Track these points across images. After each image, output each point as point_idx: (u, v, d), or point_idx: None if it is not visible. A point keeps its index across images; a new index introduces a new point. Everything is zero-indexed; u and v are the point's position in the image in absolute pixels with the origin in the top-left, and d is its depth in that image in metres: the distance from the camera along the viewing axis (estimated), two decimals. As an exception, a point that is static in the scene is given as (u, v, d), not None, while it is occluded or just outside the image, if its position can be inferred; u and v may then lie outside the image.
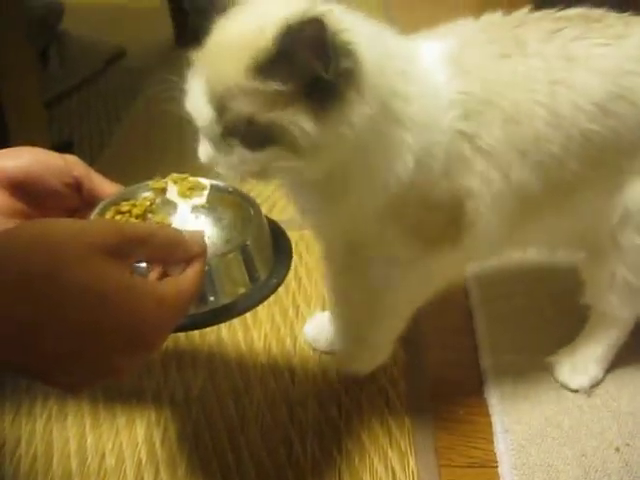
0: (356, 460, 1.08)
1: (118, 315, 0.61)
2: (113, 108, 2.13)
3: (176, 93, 0.83)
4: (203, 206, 0.83)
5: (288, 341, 1.30)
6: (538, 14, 0.98)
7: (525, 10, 0.99)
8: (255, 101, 0.77)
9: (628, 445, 1.09)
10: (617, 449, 1.09)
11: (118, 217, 0.78)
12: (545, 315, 1.35)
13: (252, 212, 0.84)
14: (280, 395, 1.19)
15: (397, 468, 1.07)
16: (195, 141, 0.85)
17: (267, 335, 1.31)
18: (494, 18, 0.99)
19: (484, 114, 0.90)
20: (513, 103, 0.91)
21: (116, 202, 0.81)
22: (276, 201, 1.57)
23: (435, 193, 0.92)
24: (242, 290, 0.79)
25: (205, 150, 0.83)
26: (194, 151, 0.85)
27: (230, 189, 0.87)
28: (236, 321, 1.33)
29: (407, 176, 0.88)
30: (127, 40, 2.47)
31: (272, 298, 1.30)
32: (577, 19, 0.97)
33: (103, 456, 1.09)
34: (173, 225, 0.79)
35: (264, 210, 0.88)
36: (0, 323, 0.57)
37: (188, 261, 0.71)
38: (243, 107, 0.77)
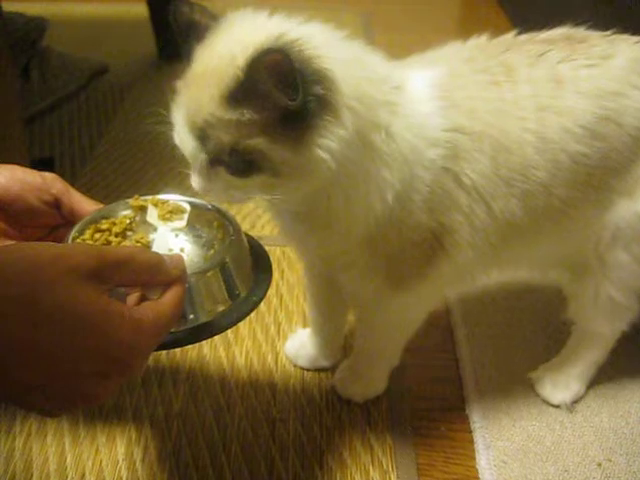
0: (338, 477, 1.08)
1: (95, 339, 0.60)
2: (95, 124, 2.12)
3: (165, 127, 0.84)
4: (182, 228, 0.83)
5: (270, 358, 1.30)
6: (523, 37, 0.98)
7: (511, 34, 0.99)
8: (233, 130, 0.77)
9: (610, 460, 1.10)
10: (599, 464, 1.09)
11: (97, 235, 0.78)
12: (526, 331, 1.35)
13: (231, 230, 0.84)
14: (262, 412, 1.18)
15: (379, 485, 1.06)
16: (180, 165, 0.86)
17: (249, 352, 1.31)
18: (481, 43, 0.99)
19: (472, 150, 0.90)
20: (503, 132, 0.91)
21: (95, 220, 0.81)
22: (258, 217, 1.57)
23: (413, 227, 0.91)
24: (222, 308, 0.79)
25: (195, 180, 0.83)
26: (173, 169, 0.85)
27: (209, 207, 0.87)
28: (217, 338, 1.32)
29: (386, 211, 0.88)
30: (110, 55, 2.47)
31: (253, 315, 1.30)
32: (561, 41, 0.97)
33: (83, 475, 1.08)
34: (153, 243, 0.79)
35: (246, 227, 0.88)
36: None
37: (167, 285, 0.70)
38: (222, 136, 0.78)
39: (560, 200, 0.95)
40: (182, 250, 0.80)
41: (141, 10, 2.38)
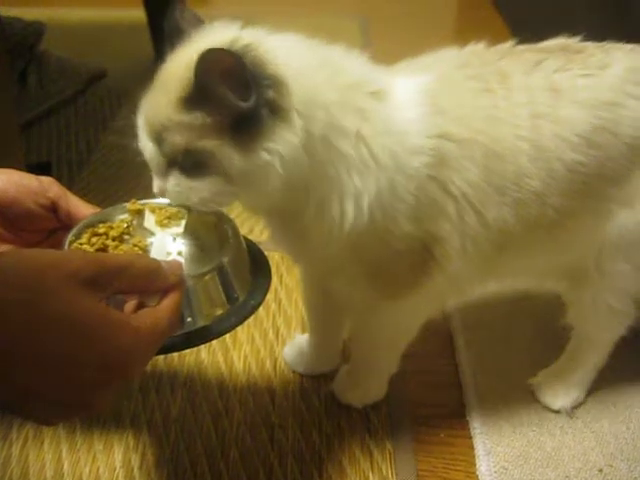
0: (337, 484, 1.07)
1: (93, 347, 0.60)
2: (92, 129, 2.12)
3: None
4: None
5: (268, 363, 1.29)
6: (521, 47, 0.98)
7: (509, 43, 0.98)
8: (186, 132, 0.78)
9: (611, 466, 1.09)
10: (600, 470, 1.08)
11: (94, 239, 0.78)
12: (526, 337, 1.35)
13: (230, 233, 0.84)
14: (260, 417, 1.17)
15: (378, 492, 1.05)
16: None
17: (247, 357, 1.30)
18: (477, 50, 0.98)
19: (460, 157, 0.89)
20: (495, 139, 0.90)
21: (93, 224, 0.80)
22: (256, 222, 1.56)
23: (399, 236, 0.90)
24: (220, 311, 0.78)
25: (156, 182, 0.84)
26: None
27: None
28: (215, 343, 1.32)
29: (363, 218, 0.86)
30: (108, 60, 2.46)
31: (252, 320, 1.29)
32: (558, 50, 0.96)
33: (80, 482, 1.07)
34: (151, 247, 0.78)
35: (244, 231, 0.88)
36: None
37: (165, 291, 0.70)
38: (177, 139, 0.78)
39: (555, 210, 0.94)
40: (180, 253, 0.79)
41: (139, 15, 2.38)
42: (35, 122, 2.12)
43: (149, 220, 0.82)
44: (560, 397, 1.19)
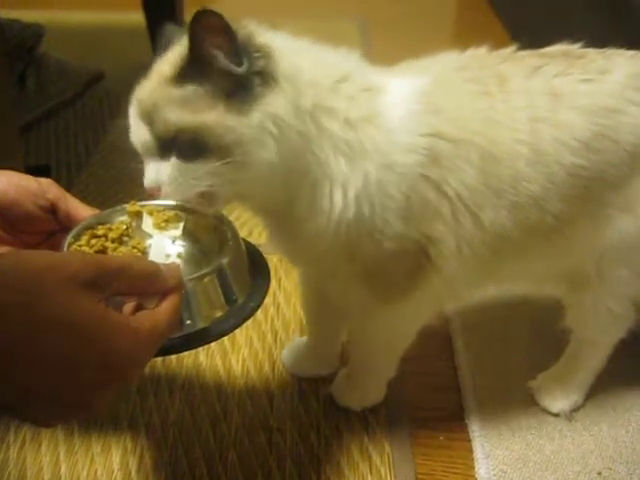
0: (336, 487, 1.06)
1: (92, 348, 0.60)
2: (91, 131, 2.11)
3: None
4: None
5: (266, 366, 1.29)
6: (522, 52, 0.98)
7: (510, 49, 0.98)
8: (179, 107, 0.79)
9: (610, 469, 1.09)
10: (599, 473, 1.08)
11: (93, 241, 0.77)
12: (525, 340, 1.35)
13: (229, 235, 0.83)
14: (258, 420, 1.17)
15: (377, 495, 1.05)
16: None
17: (245, 360, 1.30)
18: (478, 54, 0.98)
19: (455, 158, 0.89)
20: (492, 141, 0.90)
21: (92, 226, 0.80)
22: (255, 225, 1.56)
23: (391, 237, 0.90)
24: (219, 313, 0.78)
25: (148, 173, 0.84)
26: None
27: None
28: (214, 346, 1.32)
29: (350, 212, 0.87)
30: (107, 62, 2.47)
31: (250, 323, 1.29)
32: (559, 56, 0.97)
33: (78, 484, 1.07)
34: (149, 249, 0.78)
35: (243, 234, 0.88)
36: None
37: (164, 294, 0.70)
38: (169, 115, 0.79)
39: (554, 216, 0.94)
40: (179, 256, 0.79)
41: (138, 18, 2.38)
42: (34, 124, 2.12)
43: (147, 223, 0.82)
44: (559, 400, 1.19)
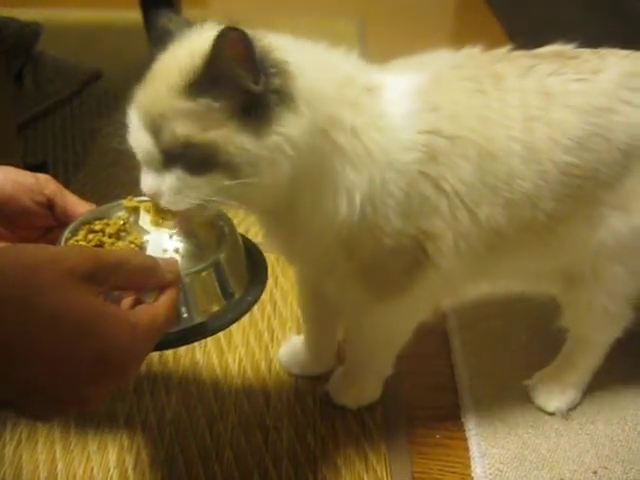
0: (332, 486, 1.06)
1: (90, 343, 0.60)
2: (88, 130, 2.11)
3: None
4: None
5: (263, 365, 1.29)
6: (517, 52, 0.98)
7: (505, 49, 0.98)
8: (189, 121, 0.76)
9: (606, 468, 1.09)
10: (595, 472, 1.08)
11: (91, 236, 0.78)
12: (521, 339, 1.35)
13: (226, 230, 0.83)
14: (255, 419, 1.17)
15: (373, 493, 1.05)
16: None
17: (242, 359, 1.30)
18: (473, 52, 0.98)
19: (453, 154, 0.89)
20: (488, 139, 0.90)
21: (89, 221, 0.80)
22: (253, 224, 1.56)
23: (389, 233, 0.90)
24: (216, 308, 0.78)
25: (147, 181, 0.80)
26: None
27: None
28: (211, 344, 1.32)
29: (355, 214, 0.86)
30: (104, 60, 2.46)
31: (247, 321, 1.29)
32: (553, 56, 0.97)
33: (74, 482, 1.06)
34: (147, 244, 0.78)
35: (240, 231, 0.87)
36: None
37: (162, 288, 0.70)
38: (178, 128, 0.76)
39: (546, 214, 0.95)
40: (176, 251, 0.79)
41: (135, 16, 2.37)
42: (31, 123, 2.11)
43: (144, 219, 0.82)
44: (555, 399, 1.19)
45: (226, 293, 0.79)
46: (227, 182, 0.77)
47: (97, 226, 0.79)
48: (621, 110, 0.93)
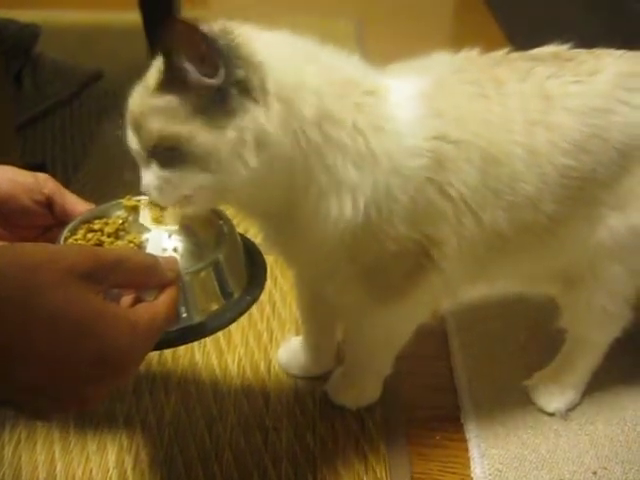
0: (331, 486, 1.06)
1: (89, 342, 0.60)
2: (87, 131, 2.11)
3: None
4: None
5: (262, 365, 1.28)
6: (514, 54, 0.99)
7: (502, 51, 0.99)
8: (160, 117, 0.78)
9: (605, 469, 1.09)
10: (594, 473, 1.08)
11: (90, 235, 0.78)
12: (521, 339, 1.35)
13: (225, 229, 0.83)
14: (254, 420, 1.17)
15: (373, 494, 1.05)
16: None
17: (241, 359, 1.30)
18: (471, 56, 0.98)
19: (458, 159, 0.89)
20: (491, 143, 0.90)
21: (88, 220, 0.80)
22: (252, 224, 1.56)
23: (393, 238, 0.90)
24: (215, 307, 0.78)
25: (142, 179, 0.83)
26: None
27: None
28: (210, 345, 1.31)
29: (359, 218, 0.86)
30: (103, 62, 2.46)
31: (246, 322, 1.29)
32: (550, 58, 0.97)
33: (73, 483, 1.06)
34: (146, 243, 0.78)
35: (239, 231, 0.87)
36: None
37: (162, 287, 0.70)
38: (151, 125, 0.78)
39: (547, 217, 0.95)
40: (175, 250, 0.79)
41: (134, 17, 2.37)
42: (30, 124, 2.11)
43: (144, 216, 0.82)
44: (555, 399, 1.19)
45: (225, 293, 0.79)
46: (200, 179, 0.78)
47: (96, 225, 0.79)
48: (618, 110, 0.94)
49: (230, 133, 0.77)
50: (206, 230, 0.84)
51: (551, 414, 1.19)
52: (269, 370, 1.28)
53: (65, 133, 2.10)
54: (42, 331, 0.57)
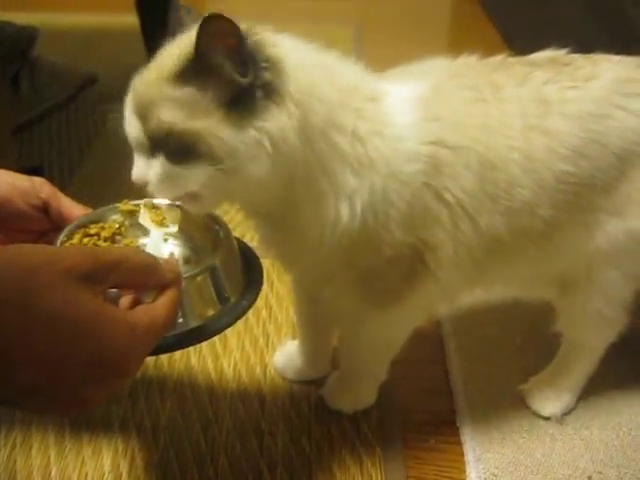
0: (327, 490, 1.06)
1: (89, 343, 0.59)
2: (84, 134, 2.11)
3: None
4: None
5: (258, 370, 1.28)
6: (512, 59, 0.99)
7: (500, 56, 0.99)
8: (175, 109, 0.76)
9: (600, 473, 1.09)
10: (589, 477, 1.08)
11: (86, 240, 0.77)
12: (516, 343, 1.35)
13: (222, 234, 0.83)
14: (250, 424, 1.17)
15: (368, 498, 1.05)
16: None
17: (237, 363, 1.30)
18: (469, 61, 0.99)
19: (456, 164, 0.89)
20: (489, 148, 0.90)
21: (84, 224, 0.80)
22: (248, 228, 1.55)
23: (389, 243, 0.90)
24: (211, 312, 0.78)
25: (136, 167, 0.81)
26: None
27: None
28: (206, 349, 1.31)
29: (356, 223, 0.86)
30: (100, 65, 2.47)
31: (242, 326, 1.29)
32: (547, 63, 0.97)
33: (68, 487, 1.06)
34: (145, 247, 0.78)
35: (236, 236, 0.87)
36: None
37: (161, 288, 0.69)
38: (163, 115, 0.77)
39: (544, 221, 0.95)
40: (172, 255, 0.79)
41: (131, 20, 2.37)
42: (27, 127, 2.11)
43: (144, 217, 0.82)
44: (550, 404, 1.19)
45: (222, 297, 0.79)
46: (211, 176, 0.78)
47: (92, 230, 0.79)
48: (616, 115, 0.94)
49: (252, 133, 0.77)
50: (202, 235, 0.84)
51: (547, 418, 1.19)
52: (265, 374, 1.28)
53: (62, 137, 2.10)
54: (40, 332, 0.57)
